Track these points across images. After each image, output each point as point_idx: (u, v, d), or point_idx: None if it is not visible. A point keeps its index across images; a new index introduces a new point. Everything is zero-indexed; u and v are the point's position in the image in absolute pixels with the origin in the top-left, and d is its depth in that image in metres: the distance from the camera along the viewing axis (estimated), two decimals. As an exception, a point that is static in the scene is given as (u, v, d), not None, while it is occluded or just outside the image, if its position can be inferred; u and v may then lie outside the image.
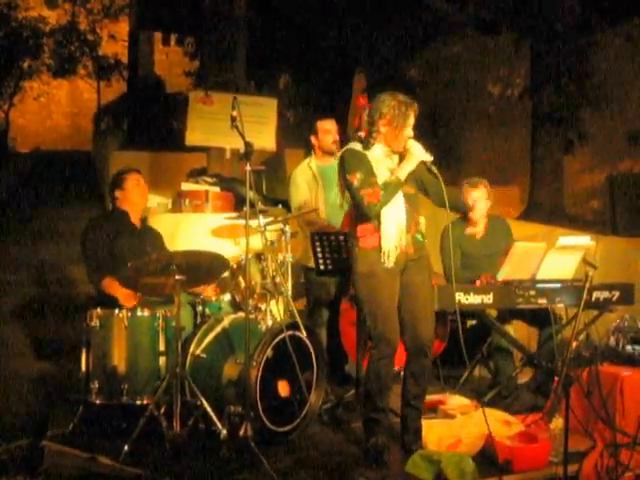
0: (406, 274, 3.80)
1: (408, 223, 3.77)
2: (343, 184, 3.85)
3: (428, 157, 3.73)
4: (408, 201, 3.79)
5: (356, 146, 3.85)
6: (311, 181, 5.15)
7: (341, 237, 4.52)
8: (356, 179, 3.70)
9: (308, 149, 5.50)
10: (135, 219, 4.67)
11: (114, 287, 4.24)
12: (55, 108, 24.86)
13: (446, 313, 4.63)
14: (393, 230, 3.72)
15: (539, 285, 4.51)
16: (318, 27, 11.77)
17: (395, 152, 3.80)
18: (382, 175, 3.72)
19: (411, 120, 3.76)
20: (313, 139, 5.22)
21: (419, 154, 3.71)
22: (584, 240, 4.62)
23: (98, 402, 3.98)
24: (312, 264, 4.91)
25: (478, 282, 4.63)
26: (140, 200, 4.69)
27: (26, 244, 8.60)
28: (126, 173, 4.69)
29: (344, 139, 5.19)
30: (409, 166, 3.72)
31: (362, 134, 3.96)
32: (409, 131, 3.76)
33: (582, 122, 10.02)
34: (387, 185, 3.68)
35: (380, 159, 3.78)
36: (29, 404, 4.63)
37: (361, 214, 3.76)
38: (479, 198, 5.07)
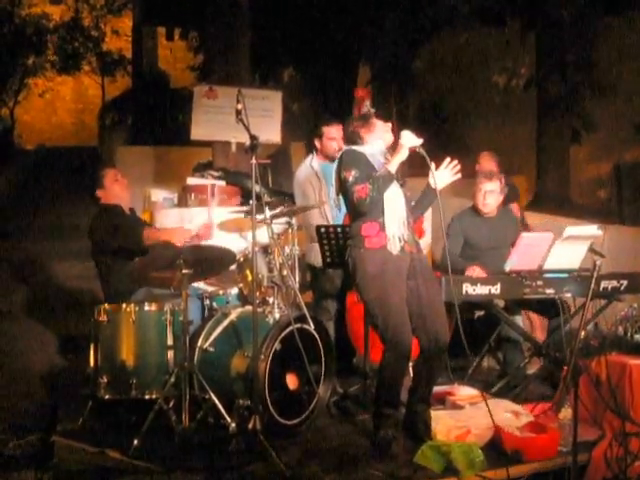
0: (412, 277, 3.79)
1: (409, 220, 3.79)
2: (338, 184, 3.85)
3: (416, 142, 3.70)
4: (408, 205, 3.82)
5: (354, 147, 3.87)
6: (314, 180, 5.13)
7: (347, 230, 4.52)
8: (351, 175, 3.71)
9: (310, 147, 5.44)
10: (126, 209, 4.78)
11: (158, 234, 4.47)
12: (60, 104, 24.84)
13: (452, 304, 4.63)
14: (395, 219, 3.72)
15: (547, 275, 4.51)
16: (322, 19, 11.74)
17: (387, 147, 3.82)
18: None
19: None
20: (317, 142, 5.15)
21: (407, 142, 3.69)
22: (591, 230, 4.61)
23: (107, 397, 3.99)
24: (316, 261, 4.92)
25: (468, 271, 4.63)
26: (122, 193, 4.77)
27: (33, 240, 8.62)
28: (102, 171, 4.81)
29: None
30: (399, 156, 3.71)
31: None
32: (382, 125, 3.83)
33: (588, 111, 9.99)
34: (376, 179, 3.65)
35: (376, 156, 3.81)
36: (38, 400, 4.65)
37: (355, 211, 3.76)
38: (492, 191, 5.03)
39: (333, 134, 5.08)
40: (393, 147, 3.81)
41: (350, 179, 3.71)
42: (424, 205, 4.02)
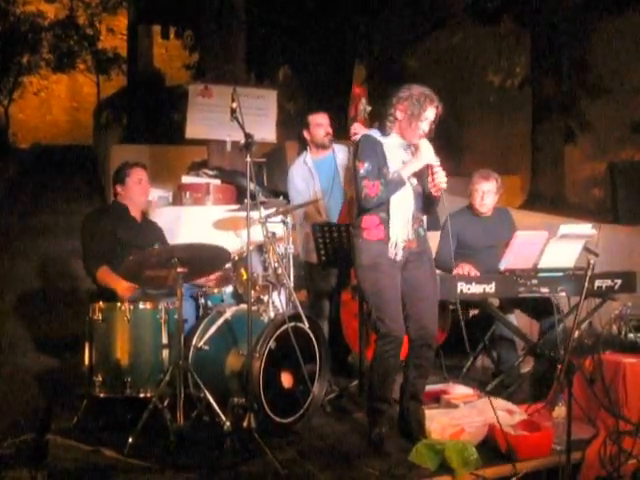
0: (408, 268, 3.80)
1: (413, 219, 3.78)
2: (352, 172, 3.84)
3: (434, 161, 3.67)
4: (415, 198, 3.79)
5: (374, 133, 3.82)
6: (307, 176, 5.15)
7: (342, 229, 4.53)
8: (363, 168, 3.69)
9: (303, 144, 5.48)
10: (135, 213, 4.69)
11: (109, 278, 4.27)
12: (55, 103, 24.82)
13: (447, 303, 4.64)
14: (401, 224, 3.72)
15: (541, 274, 4.51)
16: (317, 18, 11.74)
17: (410, 144, 3.79)
18: (394, 166, 3.71)
19: (428, 114, 3.72)
20: (305, 133, 5.20)
21: (426, 157, 3.67)
22: (586, 229, 4.61)
23: (102, 395, 3.99)
24: (311, 259, 4.93)
25: (458, 269, 4.63)
26: (140, 198, 4.69)
27: (27, 238, 8.61)
28: (129, 168, 4.68)
29: (345, 129, 5.18)
30: (414, 166, 3.70)
31: (358, 124, 3.96)
32: (424, 125, 3.72)
33: (583, 111, 10.01)
34: (388, 182, 3.66)
35: (395, 149, 3.76)
36: (33, 398, 4.65)
37: (360, 205, 3.76)
38: (489, 191, 5.03)
39: (319, 120, 5.15)
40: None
41: (361, 171, 3.70)
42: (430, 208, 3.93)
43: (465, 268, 4.65)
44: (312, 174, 5.13)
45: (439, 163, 3.68)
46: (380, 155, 3.73)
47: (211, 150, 8.59)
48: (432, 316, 3.85)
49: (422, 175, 3.78)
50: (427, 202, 3.86)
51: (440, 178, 3.67)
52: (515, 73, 12.15)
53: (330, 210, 5.08)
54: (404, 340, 3.79)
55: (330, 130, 5.13)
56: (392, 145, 3.77)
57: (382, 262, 3.71)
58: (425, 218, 3.97)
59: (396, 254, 3.71)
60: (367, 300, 3.85)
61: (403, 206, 3.73)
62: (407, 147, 3.80)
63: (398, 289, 3.77)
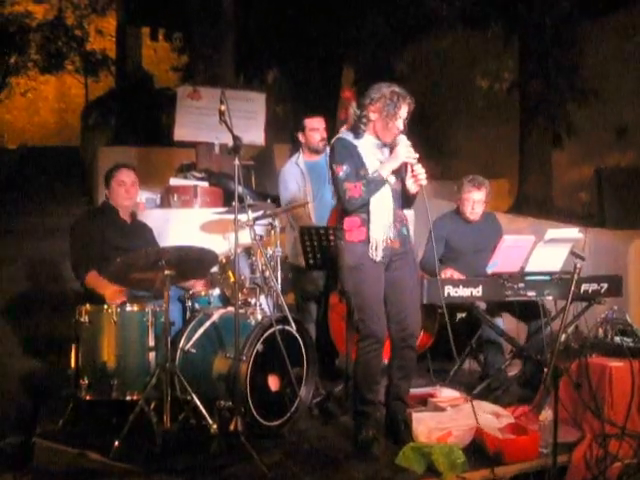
0: (392, 268, 3.81)
1: (394, 218, 3.78)
2: (331, 174, 3.85)
3: (412, 159, 3.68)
4: (395, 197, 3.80)
5: (347, 136, 3.83)
6: (299, 178, 5.14)
7: (329, 232, 4.52)
8: (342, 171, 3.70)
9: (295, 145, 5.49)
10: (125, 215, 4.66)
11: (98, 283, 4.24)
12: (43, 104, 24.71)
13: (434, 306, 4.64)
14: (381, 224, 3.72)
15: (528, 278, 4.53)
16: (306, 21, 11.75)
17: (385, 143, 3.79)
18: (371, 166, 3.72)
19: (402, 112, 3.73)
20: (300, 136, 5.19)
21: (403, 154, 3.67)
22: (572, 232, 4.64)
23: (88, 398, 3.97)
24: (299, 262, 4.92)
25: (442, 274, 4.63)
26: (123, 202, 4.63)
27: (14, 240, 8.55)
28: (114, 171, 4.64)
29: (333, 133, 5.19)
30: (393, 164, 3.71)
31: (347, 126, 3.97)
32: (399, 123, 3.73)
33: (570, 116, 10.06)
34: (369, 182, 3.67)
35: (370, 150, 3.77)
36: (19, 401, 4.61)
37: (344, 207, 3.76)
38: (480, 200, 5.05)
39: (315, 125, 5.15)
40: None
41: (340, 174, 3.70)
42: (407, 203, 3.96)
43: (448, 273, 4.66)
44: (304, 176, 5.13)
45: (417, 159, 3.68)
46: (356, 157, 3.74)
47: (199, 152, 8.60)
48: (414, 317, 3.86)
49: (400, 172, 3.79)
50: (405, 198, 3.87)
51: (420, 174, 3.68)
52: (503, 77, 12.19)
53: (321, 213, 5.08)
54: (386, 341, 3.80)
55: (325, 135, 5.13)
56: (366, 146, 3.78)
57: (365, 263, 3.72)
58: (413, 213, 3.96)
59: (376, 255, 3.71)
60: (349, 300, 3.87)
61: (382, 206, 3.73)
62: (382, 146, 3.81)
63: (381, 290, 3.78)
